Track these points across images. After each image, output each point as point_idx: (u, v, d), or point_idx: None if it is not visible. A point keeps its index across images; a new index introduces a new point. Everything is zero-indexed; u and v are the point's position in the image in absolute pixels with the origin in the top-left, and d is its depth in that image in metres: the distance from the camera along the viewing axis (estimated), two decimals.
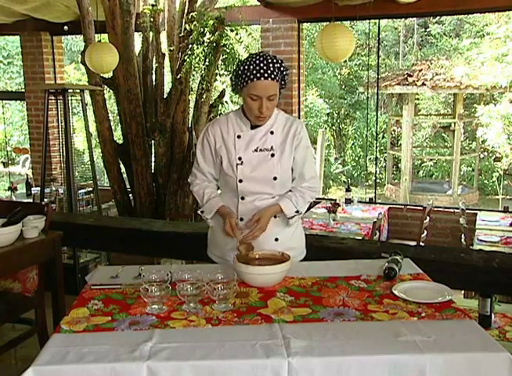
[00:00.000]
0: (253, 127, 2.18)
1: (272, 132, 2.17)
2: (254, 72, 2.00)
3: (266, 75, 2.00)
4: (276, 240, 2.21)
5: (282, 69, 2.05)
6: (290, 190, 2.24)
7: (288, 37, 5.75)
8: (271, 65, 2.01)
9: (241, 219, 2.20)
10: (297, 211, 2.18)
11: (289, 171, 2.22)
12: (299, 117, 6.04)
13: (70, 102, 4.68)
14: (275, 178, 2.16)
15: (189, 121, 5.13)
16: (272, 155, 2.15)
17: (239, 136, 2.17)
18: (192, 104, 5.18)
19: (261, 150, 2.16)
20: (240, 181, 2.16)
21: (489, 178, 10.89)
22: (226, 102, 5.61)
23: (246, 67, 2.02)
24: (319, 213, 5.28)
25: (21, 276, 2.97)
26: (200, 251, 2.43)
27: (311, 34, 11.27)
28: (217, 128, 2.21)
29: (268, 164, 2.15)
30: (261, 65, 2.00)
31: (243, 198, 2.18)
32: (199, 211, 2.27)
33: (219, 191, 2.33)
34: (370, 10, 4.81)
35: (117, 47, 4.64)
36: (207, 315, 1.66)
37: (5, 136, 11.81)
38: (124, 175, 5.40)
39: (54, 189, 5.29)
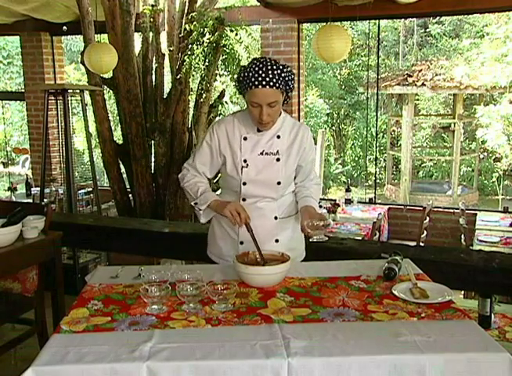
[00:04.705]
0: (259, 129, 2.15)
1: (278, 136, 2.16)
2: (253, 79, 1.96)
3: (264, 83, 1.95)
4: (277, 241, 2.21)
5: (283, 75, 2.00)
6: (300, 187, 2.29)
7: (288, 37, 5.75)
8: (270, 72, 1.96)
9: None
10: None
11: (292, 176, 2.24)
12: (299, 118, 6.05)
13: (69, 102, 4.68)
14: (278, 183, 2.16)
15: (189, 122, 5.13)
16: (278, 160, 2.15)
17: (245, 138, 2.15)
18: (192, 104, 5.18)
19: (266, 153, 2.15)
20: (244, 183, 2.15)
21: (489, 178, 10.89)
22: (226, 102, 5.59)
23: (246, 74, 1.99)
24: None
25: (21, 276, 2.97)
26: (200, 251, 2.43)
27: (311, 34, 11.25)
28: (223, 128, 2.18)
29: (273, 168, 2.15)
30: (260, 72, 1.95)
31: (244, 199, 2.18)
32: (192, 203, 2.20)
33: (219, 191, 2.33)
34: (370, 10, 4.82)
35: (117, 47, 4.64)
36: (206, 315, 1.66)
37: (5, 136, 11.81)
38: (124, 175, 5.40)
39: (54, 189, 5.28)
